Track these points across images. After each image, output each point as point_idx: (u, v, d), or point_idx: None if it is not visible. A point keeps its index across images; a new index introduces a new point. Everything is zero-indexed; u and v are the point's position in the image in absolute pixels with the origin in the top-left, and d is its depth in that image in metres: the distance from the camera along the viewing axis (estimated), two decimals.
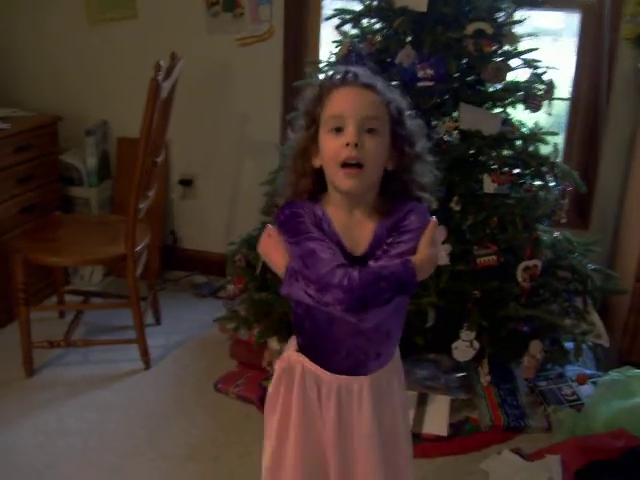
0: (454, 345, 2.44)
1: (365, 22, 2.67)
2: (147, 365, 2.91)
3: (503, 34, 2.47)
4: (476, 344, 2.43)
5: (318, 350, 1.54)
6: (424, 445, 2.47)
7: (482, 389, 2.65)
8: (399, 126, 1.46)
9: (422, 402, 2.60)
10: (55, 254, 2.75)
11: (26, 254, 2.70)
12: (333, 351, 1.52)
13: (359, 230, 1.47)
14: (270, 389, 1.63)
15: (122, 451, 2.44)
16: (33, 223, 3.14)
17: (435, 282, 2.37)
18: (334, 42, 2.79)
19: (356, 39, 2.67)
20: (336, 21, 2.75)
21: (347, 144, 1.38)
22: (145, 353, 2.90)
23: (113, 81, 3.54)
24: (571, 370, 2.80)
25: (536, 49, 2.58)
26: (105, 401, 2.70)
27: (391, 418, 1.59)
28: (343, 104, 1.41)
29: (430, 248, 1.43)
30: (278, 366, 1.60)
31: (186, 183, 3.65)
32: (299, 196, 1.49)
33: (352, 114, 1.39)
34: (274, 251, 1.49)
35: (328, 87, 1.45)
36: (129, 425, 2.57)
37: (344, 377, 1.53)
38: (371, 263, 1.42)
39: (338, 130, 1.40)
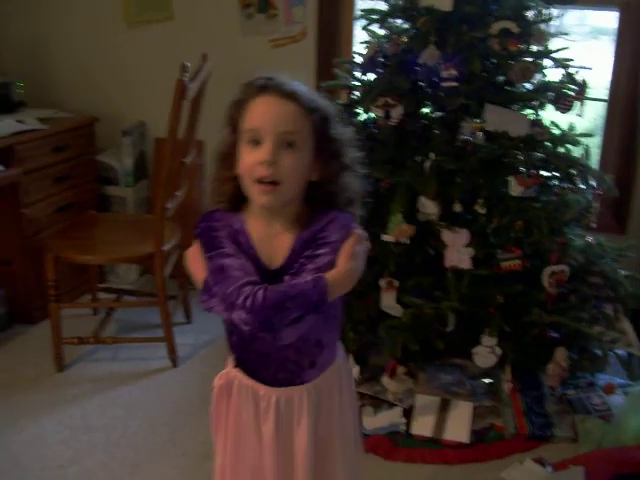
0: (475, 350, 2.39)
1: (392, 22, 2.64)
2: (174, 363, 2.95)
3: (531, 33, 2.41)
4: (498, 350, 2.38)
5: (249, 364, 1.50)
6: (445, 451, 2.44)
7: (507, 396, 2.59)
8: (323, 137, 1.40)
9: (444, 408, 2.56)
10: (84, 252, 2.80)
11: (57, 252, 2.76)
12: (263, 365, 1.48)
13: (277, 242, 1.42)
14: (212, 407, 1.60)
15: (144, 448, 2.47)
16: (68, 222, 3.21)
17: (456, 286, 2.34)
18: (362, 43, 2.78)
19: (384, 40, 2.66)
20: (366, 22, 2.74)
21: (262, 162, 1.33)
22: (172, 351, 2.93)
23: (150, 82, 3.59)
24: (601, 379, 2.72)
25: (566, 48, 2.52)
26: (130, 398, 2.74)
27: (327, 426, 1.54)
28: (260, 117, 1.35)
29: (350, 262, 1.36)
30: (216, 383, 1.57)
31: None
32: (220, 202, 1.45)
33: (269, 129, 1.34)
34: (194, 263, 1.46)
35: (249, 93, 1.39)
36: (152, 422, 2.60)
37: (281, 389, 1.49)
38: (286, 278, 1.37)
39: (255, 143, 1.35)
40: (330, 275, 1.34)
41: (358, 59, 2.72)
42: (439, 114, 2.62)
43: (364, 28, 2.71)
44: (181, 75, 2.56)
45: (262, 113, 1.36)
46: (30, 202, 3.10)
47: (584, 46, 2.48)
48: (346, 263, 1.36)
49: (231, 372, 1.54)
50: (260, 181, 1.34)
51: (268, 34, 3.36)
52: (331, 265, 1.36)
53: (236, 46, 3.41)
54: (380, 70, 2.62)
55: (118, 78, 3.66)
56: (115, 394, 2.77)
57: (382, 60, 2.62)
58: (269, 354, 1.46)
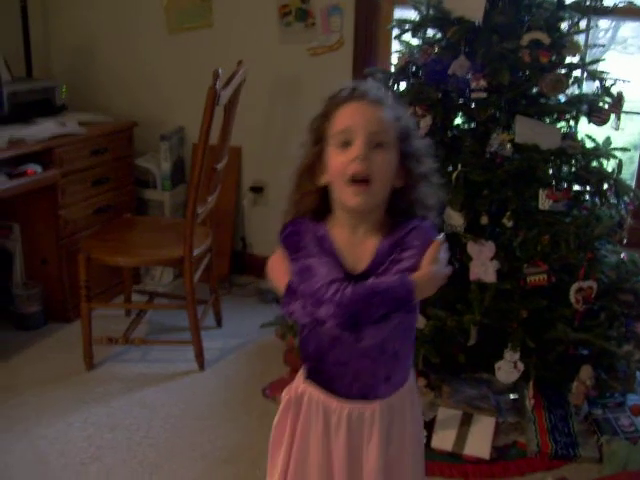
0: (497, 365, 2.35)
1: (425, 32, 2.63)
2: (201, 366, 2.97)
3: (563, 44, 2.37)
4: (520, 365, 2.33)
5: (324, 374, 1.50)
6: (464, 466, 2.40)
7: (532, 413, 2.54)
8: (407, 143, 1.42)
9: (466, 422, 2.52)
10: (116, 254, 2.85)
11: (89, 253, 2.81)
12: (339, 374, 1.48)
13: (361, 248, 1.43)
14: (275, 420, 1.59)
15: (164, 449, 2.49)
16: (104, 224, 3.28)
17: (479, 300, 2.31)
18: (396, 52, 2.77)
19: (416, 50, 2.65)
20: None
21: (355, 157, 1.35)
22: (200, 354, 2.96)
23: (189, 88, 3.64)
24: (632, 400, 2.64)
25: (602, 60, 2.47)
26: (155, 399, 2.78)
27: (398, 447, 1.53)
28: (351, 118, 1.37)
29: (433, 265, 1.37)
30: (284, 397, 1.56)
31: (257, 190, 3.71)
32: (302, 215, 1.47)
33: (360, 128, 1.36)
34: (277, 270, 1.48)
35: (335, 103, 1.41)
36: (175, 424, 2.63)
37: (354, 403, 1.48)
38: (370, 280, 1.38)
39: (345, 145, 1.37)
40: (415, 276, 1.36)
41: (392, 69, 2.72)
42: (470, 126, 2.60)
43: (396, 37, 2.70)
44: (213, 82, 2.59)
45: (352, 115, 1.38)
46: (67, 204, 3.17)
47: (618, 57, 2.42)
48: (429, 266, 1.37)
49: (301, 386, 1.53)
50: (353, 180, 1.36)
51: (306, 42, 3.38)
52: (415, 268, 1.37)
53: (274, 54, 3.45)
54: (411, 80, 2.62)
55: (158, 84, 3.74)
56: (141, 395, 2.80)
57: (413, 70, 2.61)
58: (346, 363, 1.46)
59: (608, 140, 2.63)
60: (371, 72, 2.75)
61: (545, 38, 2.29)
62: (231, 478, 2.36)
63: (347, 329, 1.35)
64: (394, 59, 2.78)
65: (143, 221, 3.36)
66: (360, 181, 1.36)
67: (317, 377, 1.51)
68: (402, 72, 2.63)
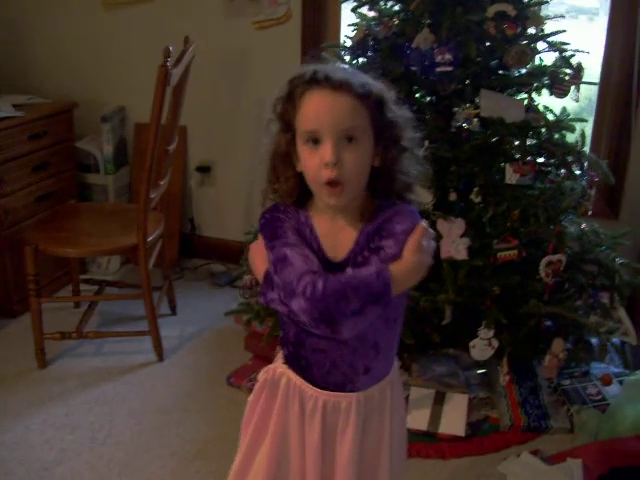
0: (471, 344, 2.33)
1: (382, 4, 2.55)
2: (160, 357, 2.87)
3: (527, 16, 2.34)
4: (495, 342, 2.32)
5: (302, 361, 1.45)
6: (440, 445, 2.39)
7: (502, 387, 2.55)
8: (381, 122, 1.32)
9: (439, 400, 2.51)
10: (66, 245, 2.70)
11: (37, 245, 2.66)
12: (317, 363, 1.42)
13: (342, 235, 1.37)
14: (250, 398, 1.55)
15: (131, 447, 2.39)
16: (47, 212, 3.10)
17: (452, 278, 2.27)
18: (350, 25, 2.69)
19: (373, 22, 2.57)
20: (353, 3, 2.65)
21: (325, 164, 1.27)
22: (158, 345, 2.85)
23: (129, 66, 3.48)
24: (597, 368, 2.68)
25: (563, 31, 2.44)
26: (116, 394, 2.66)
27: (375, 444, 1.48)
28: (316, 116, 1.28)
29: (415, 255, 1.29)
30: (261, 377, 1.52)
31: (204, 170, 3.58)
32: (283, 200, 1.40)
33: (327, 128, 1.27)
34: (257, 256, 1.42)
35: (297, 87, 1.31)
36: (139, 420, 2.53)
37: (331, 393, 1.43)
38: (349, 270, 1.32)
39: (315, 142, 1.29)
40: (394, 267, 1.28)
41: (347, 43, 2.63)
42: (431, 100, 2.55)
43: (353, 10, 2.62)
44: (164, 60, 2.46)
45: (317, 112, 1.29)
46: (7, 192, 2.99)
47: (564, 26, 2.38)
48: (411, 255, 1.29)
49: (279, 367, 1.49)
50: (327, 183, 1.29)
51: (252, 16, 3.25)
52: (395, 257, 1.30)
53: (218, 29, 3.31)
54: (370, 54, 2.54)
55: (97, 62, 3.56)
56: (100, 391, 2.68)
57: (372, 44, 2.53)
58: (325, 350, 1.40)
59: (565, 111, 2.62)
60: (327, 46, 2.65)
61: (511, 10, 2.25)
62: (205, 473, 2.28)
63: (320, 323, 1.28)
64: (348, 32, 2.68)
65: (89, 208, 3.19)
66: (335, 183, 1.29)
67: (295, 363, 1.46)
68: (360, 46, 2.54)
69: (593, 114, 3.10)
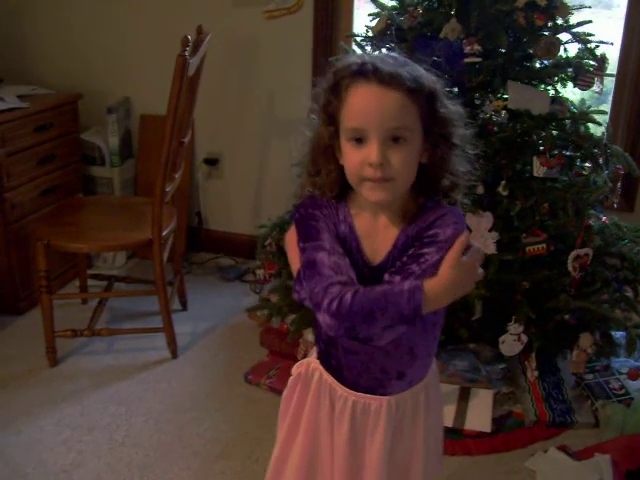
0: (501, 339, 2.30)
1: None
2: (174, 354, 2.81)
3: (556, 6, 2.30)
4: (524, 337, 2.29)
5: (333, 361, 1.40)
6: (466, 441, 2.36)
7: (526, 382, 2.52)
8: (431, 118, 1.24)
9: (464, 396, 2.48)
10: (78, 240, 2.62)
11: (48, 241, 2.58)
12: (347, 364, 1.38)
13: (382, 236, 1.29)
14: (285, 392, 1.53)
15: (150, 448, 2.33)
16: (54, 206, 3.03)
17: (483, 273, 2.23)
18: (370, 15, 2.63)
19: (395, 12, 2.52)
20: None
21: (370, 164, 1.20)
22: (172, 342, 2.79)
23: (135, 56, 3.40)
24: (617, 362, 2.66)
25: (589, 21, 2.40)
26: (131, 393, 2.60)
27: (408, 446, 1.44)
28: (362, 114, 1.20)
29: (452, 271, 1.21)
30: (295, 370, 1.49)
31: (211, 162, 3.51)
32: (322, 193, 1.32)
33: (374, 127, 1.19)
34: (290, 248, 1.36)
35: (343, 79, 1.23)
36: (157, 419, 2.47)
37: (361, 394, 1.38)
38: (386, 276, 1.25)
39: (359, 140, 1.21)
40: (429, 284, 1.20)
41: (368, 32, 2.57)
42: (453, 92, 2.50)
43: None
44: (183, 50, 2.38)
45: (363, 109, 1.20)
46: (13, 186, 2.91)
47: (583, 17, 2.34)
48: (448, 272, 1.21)
49: (313, 362, 1.45)
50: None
51: (262, 4, 3.18)
52: (436, 267, 1.22)
53: (227, 18, 3.24)
54: (392, 45, 2.49)
55: (102, 52, 3.47)
56: (114, 389, 2.61)
57: (395, 34, 2.48)
58: (357, 352, 1.35)
59: (584, 102, 2.59)
60: (348, 36, 2.59)
61: (541, 0, 2.20)
62: (230, 474, 2.23)
63: (346, 338, 1.24)
64: (366, 22, 2.63)
65: (96, 201, 3.11)
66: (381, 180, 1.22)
67: (326, 362, 1.42)
68: (382, 37, 2.49)
69: (609, 105, 3.08)
